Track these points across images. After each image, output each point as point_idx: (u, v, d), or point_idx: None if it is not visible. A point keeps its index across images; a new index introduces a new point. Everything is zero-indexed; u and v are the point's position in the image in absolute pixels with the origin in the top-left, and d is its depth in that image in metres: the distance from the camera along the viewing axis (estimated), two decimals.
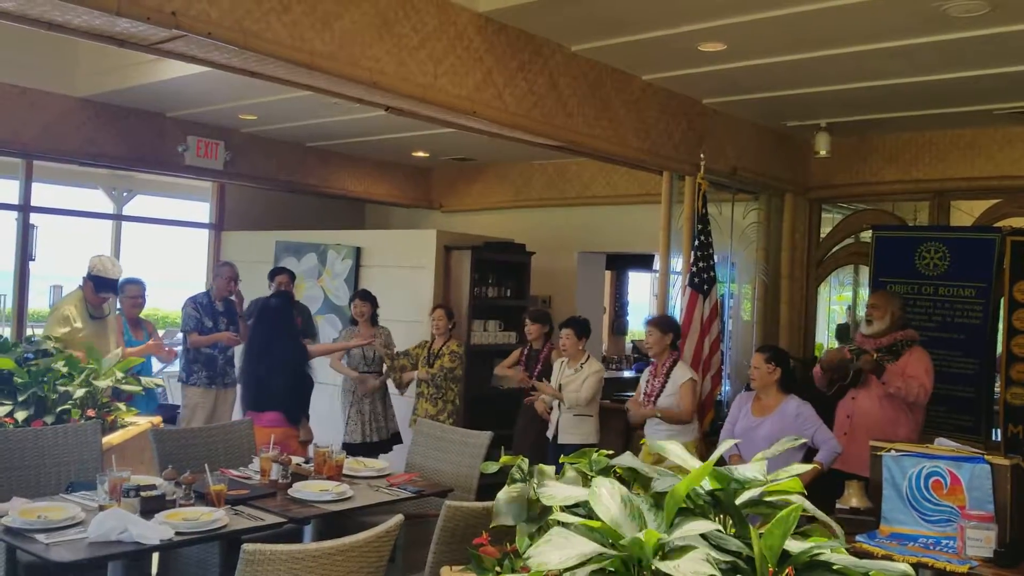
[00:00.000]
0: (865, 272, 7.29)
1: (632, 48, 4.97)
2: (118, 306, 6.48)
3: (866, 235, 7.10)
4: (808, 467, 2.42)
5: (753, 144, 6.59)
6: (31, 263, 7.60)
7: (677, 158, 5.89)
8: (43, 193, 7.81)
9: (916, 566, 3.39)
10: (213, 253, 9.28)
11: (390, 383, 6.70)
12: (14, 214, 7.54)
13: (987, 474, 3.64)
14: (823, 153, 6.55)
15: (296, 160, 8.78)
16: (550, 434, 5.88)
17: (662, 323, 5.59)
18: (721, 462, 2.23)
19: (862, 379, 5.15)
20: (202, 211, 9.45)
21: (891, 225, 6.96)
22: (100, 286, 5.84)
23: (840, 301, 8.88)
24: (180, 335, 6.82)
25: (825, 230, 7.45)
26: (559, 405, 5.82)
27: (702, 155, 5.93)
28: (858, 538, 3.68)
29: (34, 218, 7.62)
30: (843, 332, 8.58)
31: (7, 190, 7.57)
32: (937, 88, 5.38)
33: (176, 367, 7.07)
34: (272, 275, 7.06)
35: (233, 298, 6.85)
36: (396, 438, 6.65)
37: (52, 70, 6.84)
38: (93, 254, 5.95)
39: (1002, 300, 6.09)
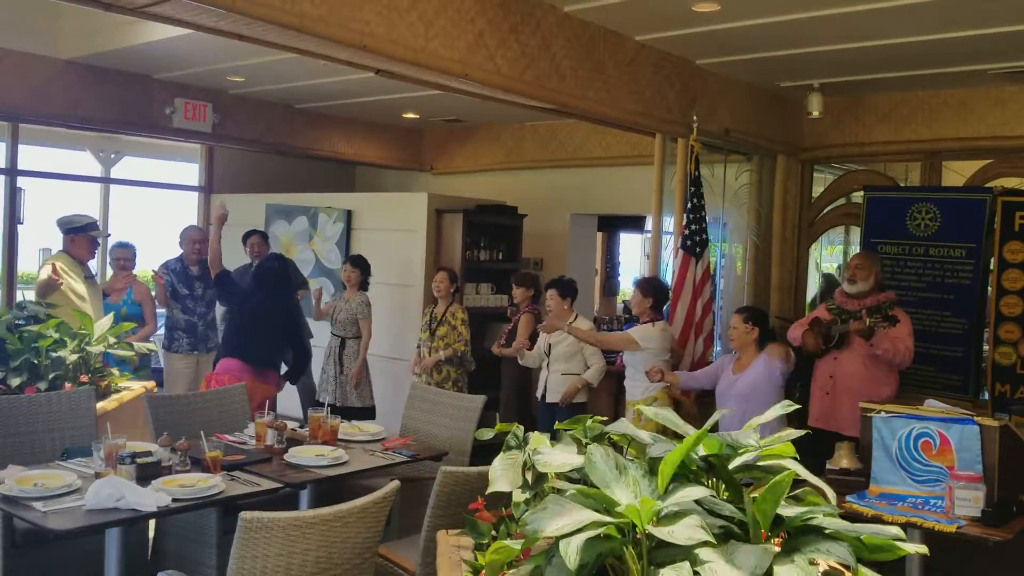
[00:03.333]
0: (856, 232, 7.30)
1: (626, 8, 4.92)
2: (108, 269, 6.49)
3: (858, 196, 7.10)
4: (799, 432, 2.44)
5: (746, 105, 6.55)
6: (19, 226, 7.55)
7: (670, 120, 5.86)
8: (30, 155, 7.74)
9: (905, 526, 3.44)
10: (203, 216, 9.22)
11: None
12: (1, 177, 7.47)
13: (976, 435, 3.69)
14: (816, 114, 6.53)
15: (285, 122, 8.70)
16: (539, 393, 5.93)
17: (643, 285, 5.69)
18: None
19: (846, 341, 5.18)
20: (191, 172, 9.38)
21: (882, 186, 6.96)
22: (86, 228, 5.84)
23: (830, 255, 8.89)
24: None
25: (817, 191, 7.44)
26: (547, 365, 5.85)
27: (695, 117, 5.90)
28: (848, 499, 3.73)
29: (21, 181, 7.55)
30: (831, 283, 8.60)
31: None
32: (930, 48, 5.35)
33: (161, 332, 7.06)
34: (245, 238, 7.07)
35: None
36: (373, 411, 6.64)
37: (35, 32, 6.72)
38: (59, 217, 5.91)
39: (992, 260, 6.12)
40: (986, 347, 6.18)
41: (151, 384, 5.56)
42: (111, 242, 6.87)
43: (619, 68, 5.41)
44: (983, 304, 6.20)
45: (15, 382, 4.57)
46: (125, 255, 6.58)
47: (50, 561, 3.83)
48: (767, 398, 4.60)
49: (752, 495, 2.04)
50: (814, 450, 4.32)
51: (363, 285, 6.66)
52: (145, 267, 7.14)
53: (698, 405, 5.76)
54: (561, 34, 4.98)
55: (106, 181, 8.67)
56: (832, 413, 5.15)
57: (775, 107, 6.86)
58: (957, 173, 6.89)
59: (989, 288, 6.15)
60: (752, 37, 5.33)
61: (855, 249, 7.27)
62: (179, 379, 6.63)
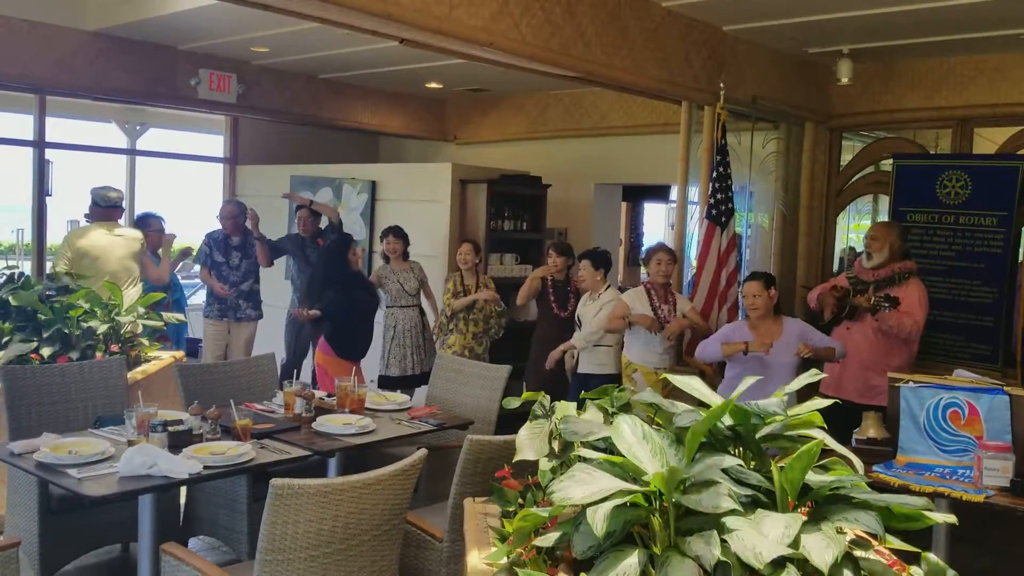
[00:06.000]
0: (885, 201, 7.21)
1: None
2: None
3: (886, 164, 7.00)
4: (827, 401, 2.44)
5: (774, 72, 6.47)
6: (48, 198, 7.63)
7: (697, 88, 5.79)
8: (57, 127, 7.80)
9: (933, 495, 3.43)
10: (228, 187, 9.27)
11: (430, 317, 6.76)
12: (30, 149, 7.54)
13: (1006, 405, 3.65)
14: (845, 81, 6.42)
15: (309, 93, 8.70)
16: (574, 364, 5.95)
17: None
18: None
19: (858, 313, 5.14)
20: (216, 144, 9.42)
21: (912, 154, 6.86)
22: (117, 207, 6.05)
23: (857, 230, 8.80)
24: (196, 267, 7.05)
25: (845, 159, 7.35)
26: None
27: (722, 84, 5.83)
28: (875, 468, 3.72)
29: (49, 153, 7.62)
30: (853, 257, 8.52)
31: (22, 125, 7.57)
32: (962, 13, 5.24)
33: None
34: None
35: (249, 226, 6.92)
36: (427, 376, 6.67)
37: (62, 4, 6.75)
38: (101, 187, 5.98)
39: None
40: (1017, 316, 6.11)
41: (180, 354, 5.64)
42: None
43: (645, 35, 5.35)
44: (1014, 273, 6.12)
45: (47, 352, 4.64)
46: (159, 225, 6.84)
47: (84, 526, 3.91)
48: (798, 366, 4.61)
49: (779, 464, 2.05)
50: (847, 422, 4.33)
51: (405, 255, 6.68)
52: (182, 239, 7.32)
53: (718, 373, 5.74)
54: (586, 0, 4.93)
55: (132, 153, 8.73)
56: (841, 381, 5.15)
57: (803, 74, 6.77)
58: (989, 140, 6.77)
59: (1021, 256, 6.07)
60: (780, 2, 5.26)
61: (884, 218, 7.19)
62: (210, 344, 6.88)
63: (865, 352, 5.08)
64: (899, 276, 5.11)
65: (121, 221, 6.09)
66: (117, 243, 5.82)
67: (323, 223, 7.21)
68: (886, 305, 4.86)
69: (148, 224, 6.74)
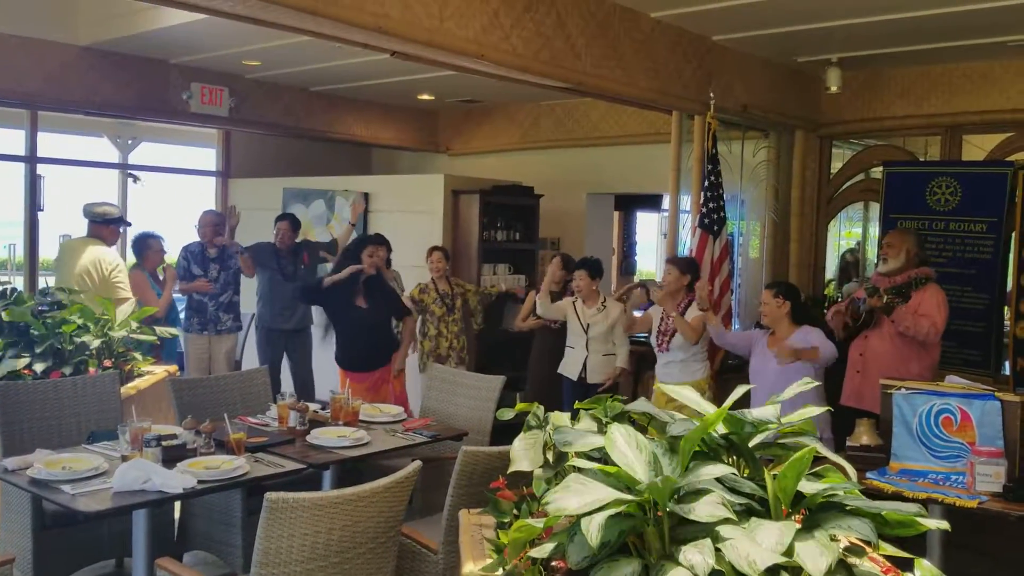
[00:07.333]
0: (875, 208, 7.25)
1: None
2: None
3: (877, 171, 7.05)
4: (820, 409, 2.44)
5: (764, 81, 6.50)
6: (40, 213, 7.61)
7: (687, 97, 5.82)
8: (48, 142, 7.79)
9: (926, 502, 3.44)
10: (221, 201, 9.26)
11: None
12: (21, 165, 7.53)
13: (997, 411, 3.67)
14: (834, 89, 6.47)
15: (301, 105, 8.71)
16: (573, 373, 5.93)
17: (682, 264, 5.64)
18: (736, 405, 2.26)
19: (874, 320, 5.15)
20: (208, 158, 9.42)
21: (902, 161, 6.90)
22: (118, 222, 6.07)
23: (848, 237, 8.84)
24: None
25: (835, 166, 7.39)
26: (586, 344, 5.87)
27: (712, 93, 5.86)
28: (868, 475, 3.73)
29: (40, 168, 7.61)
30: (847, 268, 8.55)
31: (13, 140, 7.56)
32: (950, 20, 5.28)
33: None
34: (275, 221, 7.11)
35: (225, 242, 6.83)
36: None
37: (52, 18, 6.76)
38: (93, 203, 5.99)
39: (1013, 234, 6.06)
40: (1007, 322, 6.14)
41: (174, 368, 5.63)
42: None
43: (635, 46, 5.38)
44: (1004, 279, 6.15)
45: (40, 367, 4.63)
46: (159, 246, 6.77)
47: (78, 542, 3.90)
48: (806, 373, 4.55)
49: (773, 472, 2.05)
50: (845, 429, 4.33)
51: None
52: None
53: (718, 383, 5.75)
54: (576, 12, 4.96)
55: (124, 167, 8.72)
56: (862, 392, 5.11)
57: (793, 82, 6.81)
58: (977, 147, 6.82)
59: (1011, 262, 6.10)
60: (769, 11, 5.29)
61: (874, 225, 7.22)
62: (192, 359, 6.77)
63: (885, 361, 5.02)
64: (916, 282, 5.07)
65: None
66: (82, 254, 5.73)
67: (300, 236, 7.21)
68: (898, 300, 4.85)
69: (147, 245, 6.66)
